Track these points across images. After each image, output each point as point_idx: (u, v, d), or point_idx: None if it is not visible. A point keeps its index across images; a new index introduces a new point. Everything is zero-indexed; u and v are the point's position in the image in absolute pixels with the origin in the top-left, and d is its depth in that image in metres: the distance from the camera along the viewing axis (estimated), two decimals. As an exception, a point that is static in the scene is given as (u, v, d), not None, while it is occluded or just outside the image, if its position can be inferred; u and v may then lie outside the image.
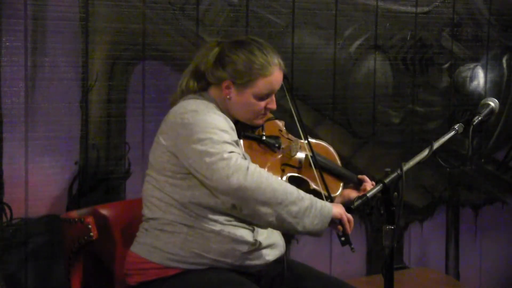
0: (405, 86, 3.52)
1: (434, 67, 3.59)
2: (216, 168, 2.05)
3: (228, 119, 2.24)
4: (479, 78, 3.74)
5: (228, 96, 2.26)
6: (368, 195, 1.96)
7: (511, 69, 3.82)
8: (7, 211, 2.68)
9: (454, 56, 3.64)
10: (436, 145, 2.13)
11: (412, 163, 2.05)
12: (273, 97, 2.30)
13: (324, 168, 2.50)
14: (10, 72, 2.65)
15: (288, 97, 2.42)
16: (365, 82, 3.41)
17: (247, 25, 3.07)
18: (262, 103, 2.27)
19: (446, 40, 3.60)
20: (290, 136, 2.51)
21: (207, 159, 2.07)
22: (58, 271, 2.73)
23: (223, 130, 2.13)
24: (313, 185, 2.41)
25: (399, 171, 1.97)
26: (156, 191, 2.25)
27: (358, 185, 2.57)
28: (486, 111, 2.30)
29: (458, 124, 2.25)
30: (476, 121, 2.25)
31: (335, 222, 2.18)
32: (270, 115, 2.41)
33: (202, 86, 2.31)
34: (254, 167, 2.07)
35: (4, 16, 2.62)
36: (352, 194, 2.57)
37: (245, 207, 2.08)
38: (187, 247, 2.19)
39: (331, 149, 2.65)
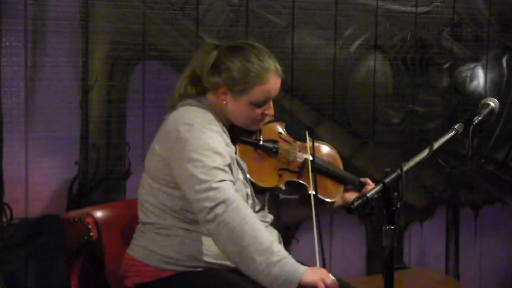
0: (405, 86, 3.52)
1: (434, 67, 3.59)
2: (202, 197, 2.04)
3: (224, 134, 2.22)
4: (479, 78, 3.74)
5: (224, 102, 2.24)
6: (368, 195, 1.96)
7: (511, 69, 3.82)
8: (7, 211, 2.67)
9: (454, 56, 3.64)
10: (436, 145, 2.12)
11: (412, 163, 2.04)
12: (271, 103, 2.27)
13: (324, 172, 2.47)
14: (10, 72, 2.65)
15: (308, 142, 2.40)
16: (365, 82, 3.41)
17: (247, 25, 3.07)
18: (259, 110, 2.25)
19: (446, 40, 3.60)
20: (290, 139, 2.47)
21: (196, 186, 2.06)
22: (58, 271, 2.73)
23: (216, 152, 2.10)
24: (310, 190, 2.38)
25: (399, 171, 1.96)
26: (149, 197, 2.25)
27: (359, 188, 2.55)
28: (486, 111, 2.30)
29: (458, 124, 2.24)
30: (476, 121, 2.25)
31: None
32: (269, 117, 2.39)
33: (199, 90, 2.29)
34: (236, 204, 2.04)
35: (4, 16, 2.62)
36: (353, 196, 2.55)
37: (216, 240, 2.06)
38: (184, 250, 2.18)
39: (334, 151, 2.61)
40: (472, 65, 3.70)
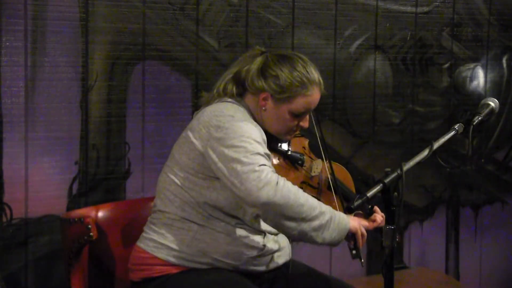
0: (405, 86, 3.52)
1: (434, 67, 3.59)
2: (246, 178, 2.04)
3: (262, 131, 2.23)
4: (479, 78, 3.74)
5: (263, 108, 2.25)
6: (368, 195, 1.96)
7: (511, 69, 3.82)
8: (7, 211, 2.68)
9: (454, 56, 3.64)
10: (436, 145, 2.12)
11: (412, 163, 2.05)
12: (307, 116, 2.29)
13: (340, 193, 2.47)
14: (10, 72, 2.65)
15: (314, 123, 2.41)
16: (365, 82, 3.41)
17: (247, 25, 3.07)
18: (296, 121, 2.26)
19: (446, 40, 3.60)
20: (312, 155, 2.48)
21: (238, 167, 2.05)
22: (58, 271, 2.73)
23: (257, 142, 2.12)
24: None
25: (399, 171, 1.97)
26: (173, 186, 2.24)
27: (368, 214, 2.56)
28: (486, 111, 2.30)
29: (458, 124, 2.24)
30: (476, 121, 2.25)
31: (348, 235, 2.18)
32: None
33: (239, 91, 2.29)
34: (283, 182, 2.06)
35: (4, 16, 2.62)
36: (361, 222, 2.55)
37: (270, 220, 2.08)
38: (194, 245, 2.18)
39: (348, 173, 2.62)
40: (472, 65, 3.70)
